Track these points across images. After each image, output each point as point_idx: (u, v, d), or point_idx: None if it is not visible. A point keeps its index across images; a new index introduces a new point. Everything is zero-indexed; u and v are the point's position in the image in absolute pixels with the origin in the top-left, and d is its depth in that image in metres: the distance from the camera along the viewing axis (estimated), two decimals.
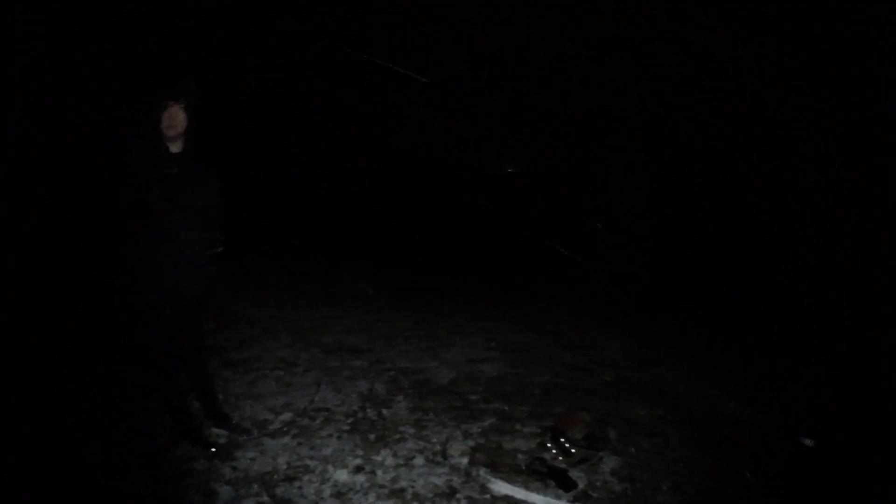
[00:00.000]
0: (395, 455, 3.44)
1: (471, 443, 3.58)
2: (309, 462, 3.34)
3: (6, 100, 5.31)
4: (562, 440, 3.40)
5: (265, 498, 2.95)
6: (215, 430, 3.50)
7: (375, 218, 8.26)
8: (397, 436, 3.67)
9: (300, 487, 3.10)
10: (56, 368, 3.84)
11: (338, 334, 5.12)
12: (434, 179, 8.07)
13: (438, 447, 3.53)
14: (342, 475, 3.25)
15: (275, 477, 3.16)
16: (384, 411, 3.97)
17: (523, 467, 3.29)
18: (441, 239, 7.40)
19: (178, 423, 3.33)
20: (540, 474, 3.20)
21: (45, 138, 5.72)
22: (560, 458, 3.35)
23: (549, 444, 3.46)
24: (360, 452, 3.47)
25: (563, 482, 3.10)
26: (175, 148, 2.85)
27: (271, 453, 3.38)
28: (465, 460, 3.38)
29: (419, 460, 3.39)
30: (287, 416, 3.83)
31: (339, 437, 3.62)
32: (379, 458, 3.42)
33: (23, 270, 4.75)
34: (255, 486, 3.04)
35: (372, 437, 3.65)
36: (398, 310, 5.67)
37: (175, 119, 2.75)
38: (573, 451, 3.35)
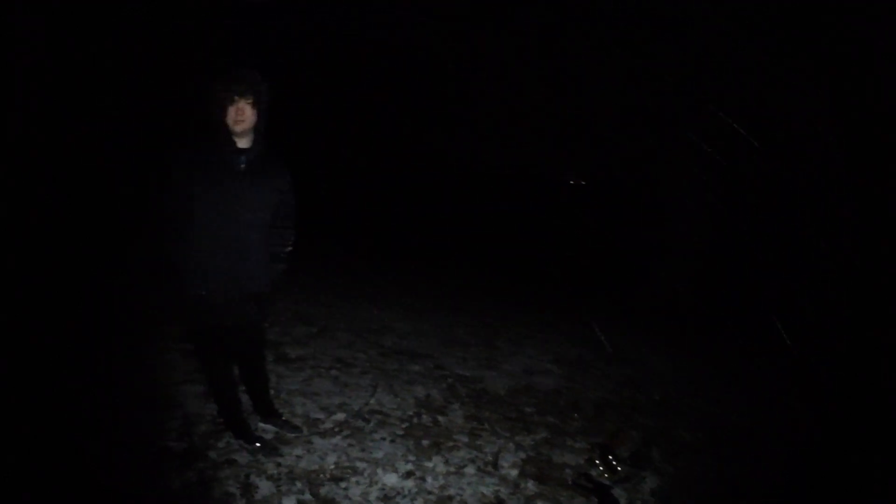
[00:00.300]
0: (446, 462, 3.30)
1: (522, 455, 3.43)
2: (358, 464, 3.21)
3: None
4: (609, 457, 3.32)
5: (308, 496, 2.83)
6: (262, 426, 3.39)
7: (435, 223, 8.16)
8: (451, 443, 3.51)
9: (346, 489, 2.97)
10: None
11: (396, 338, 4.99)
12: (493, 187, 7.93)
13: (490, 457, 3.38)
14: (391, 479, 3.11)
15: (321, 476, 3.04)
16: (440, 418, 3.81)
17: (569, 482, 3.19)
18: (499, 246, 7.23)
19: (224, 414, 3.25)
20: (585, 490, 3.12)
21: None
22: (606, 475, 3.25)
23: (596, 461, 3.35)
24: (411, 458, 3.34)
25: (605, 500, 3.03)
26: (243, 143, 2.74)
27: (320, 452, 3.26)
28: (514, 472, 3.24)
29: (470, 469, 3.25)
30: (340, 416, 3.71)
31: (391, 441, 3.49)
32: (430, 465, 3.28)
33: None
34: (299, 483, 2.93)
35: (426, 443, 3.51)
36: (456, 317, 5.51)
37: (241, 114, 2.63)
38: (619, 468, 3.26)
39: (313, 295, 5.66)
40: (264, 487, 2.85)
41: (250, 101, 2.63)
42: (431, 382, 4.30)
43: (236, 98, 2.62)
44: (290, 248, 3.04)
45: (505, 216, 7.86)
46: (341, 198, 8.60)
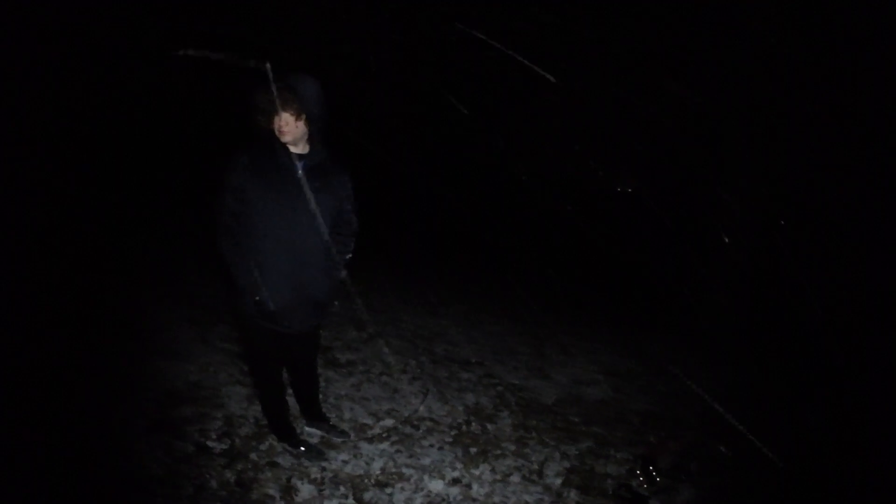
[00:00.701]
0: (493, 470, 3.25)
1: (566, 464, 3.37)
2: (405, 470, 3.18)
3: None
4: (650, 468, 3.24)
5: (351, 501, 2.82)
6: (308, 430, 3.39)
7: (487, 228, 8.08)
8: (498, 451, 3.45)
9: (391, 494, 2.95)
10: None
11: (448, 345, 4.94)
12: (545, 194, 7.81)
13: (536, 466, 3.32)
14: (437, 486, 3.07)
15: (365, 481, 3.02)
16: (488, 426, 3.75)
17: (610, 492, 3.15)
18: (550, 255, 7.11)
19: (270, 417, 3.24)
20: (624, 500, 3.09)
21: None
22: (645, 486, 3.20)
23: (637, 472, 3.29)
24: (459, 465, 3.29)
25: None
26: (299, 149, 2.71)
27: (366, 458, 3.24)
28: (559, 481, 3.19)
29: (516, 477, 3.20)
30: (389, 422, 3.69)
31: (440, 448, 3.44)
32: (477, 472, 3.23)
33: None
34: (343, 488, 2.91)
35: (473, 450, 3.45)
36: (508, 325, 5.44)
37: (286, 126, 2.61)
38: (658, 479, 3.20)
39: (367, 300, 5.66)
40: (305, 491, 2.83)
41: (293, 112, 2.59)
42: (482, 390, 4.24)
43: (279, 110, 2.59)
44: (350, 255, 2.99)
45: (556, 222, 7.73)
46: (399, 202, 8.62)
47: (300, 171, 2.68)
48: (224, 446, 3.14)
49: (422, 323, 5.34)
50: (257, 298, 2.70)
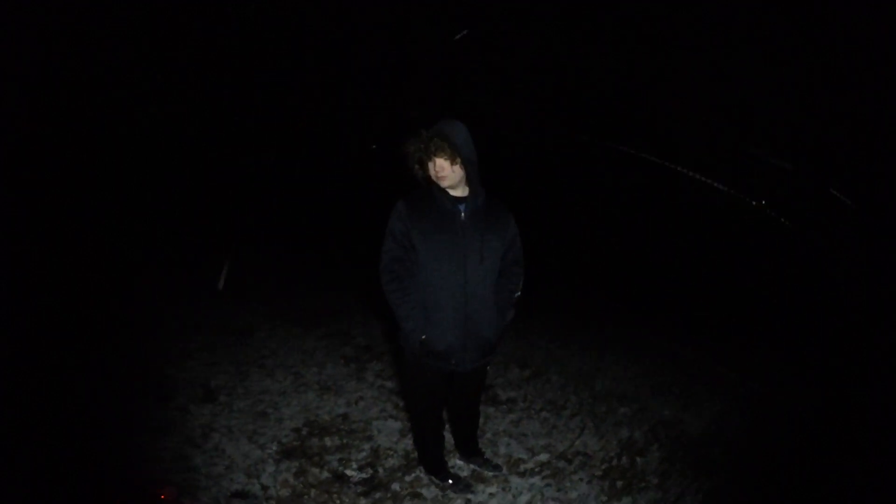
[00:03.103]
0: (633, 502, 3.34)
1: (700, 497, 3.40)
2: (551, 503, 3.37)
3: None
4: None
5: None
6: (458, 463, 3.64)
7: (642, 259, 7.90)
8: (643, 484, 3.57)
9: None
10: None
11: (608, 381, 5.07)
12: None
13: (672, 499, 3.40)
14: None
15: None
16: (638, 459, 3.86)
17: None
18: (711, 286, 6.83)
19: (423, 450, 3.46)
20: None
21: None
22: None
23: None
24: (603, 498, 3.45)
25: None
26: (458, 192, 2.82)
27: (514, 491, 3.48)
28: None
29: None
30: (544, 456, 3.91)
31: (588, 482, 3.62)
32: None
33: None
34: None
35: (619, 484, 3.60)
36: (663, 361, 5.41)
37: (442, 171, 2.70)
38: None
39: (529, 338, 5.94)
40: None
41: (447, 156, 2.68)
42: (636, 424, 4.33)
43: (432, 155, 2.70)
44: (518, 294, 3.04)
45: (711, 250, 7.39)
46: (558, 235, 8.76)
47: (463, 215, 2.81)
48: (364, 475, 3.46)
49: (584, 359, 5.50)
50: (423, 338, 2.83)
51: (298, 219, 9.19)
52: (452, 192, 2.81)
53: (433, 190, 2.82)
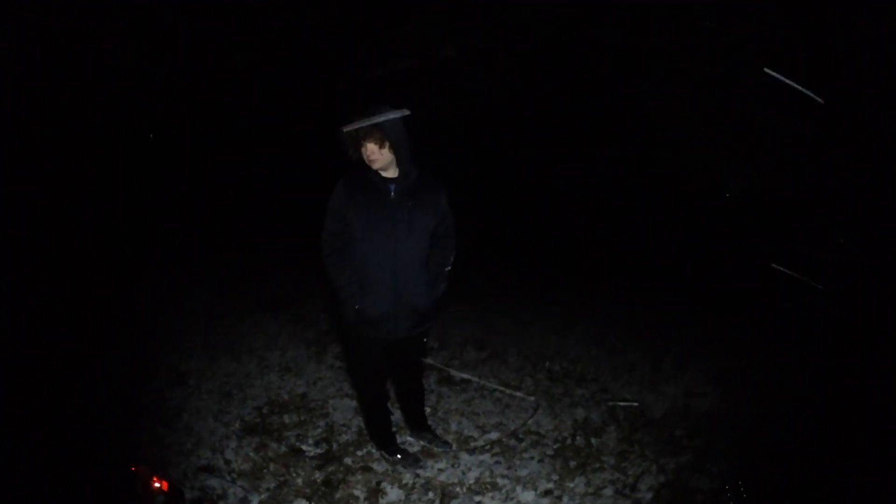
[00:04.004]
0: (587, 483, 3.30)
1: (662, 478, 3.30)
2: (500, 480, 3.33)
3: None
4: (739, 483, 3.11)
5: None
6: (409, 439, 3.62)
7: (605, 235, 7.84)
8: (597, 465, 3.48)
9: (479, 502, 3.07)
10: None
11: (567, 362, 4.97)
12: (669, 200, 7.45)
13: (631, 480, 3.31)
14: (528, 496, 3.18)
15: (457, 489, 3.20)
16: (593, 440, 3.77)
17: None
18: (667, 260, 6.79)
19: (371, 426, 3.52)
20: None
21: None
22: (731, 501, 3.07)
23: (727, 487, 3.15)
24: (555, 477, 3.38)
25: None
26: (390, 173, 2.93)
27: (463, 467, 3.42)
28: (650, 495, 3.15)
29: (608, 491, 3.22)
30: (494, 435, 3.84)
31: (539, 461, 3.55)
32: (571, 485, 3.30)
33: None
34: (431, 493, 3.11)
35: (573, 463, 3.51)
36: (627, 341, 5.33)
37: (372, 154, 2.82)
38: (745, 495, 3.06)
39: (487, 320, 5.82)
40: (393, 494, 3.07)
41: (376, 141, 2.79)
42: (593, 406, 4.25)
43: (362, 140, 2.82)
44: (449, 268, 3.17)
45: (673, 227, 7.34)
46: (514, 214, 8.69)
47: (392, 194, 2.92)
48: (320, 450, 3.50)
49: (543, 341, 5.39)
50: (357, 307, 2.98)
51: (270, 209, 9.05)
52: (384, 174, 2.93)
53: (367, 171, 2.93)
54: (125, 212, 7.41)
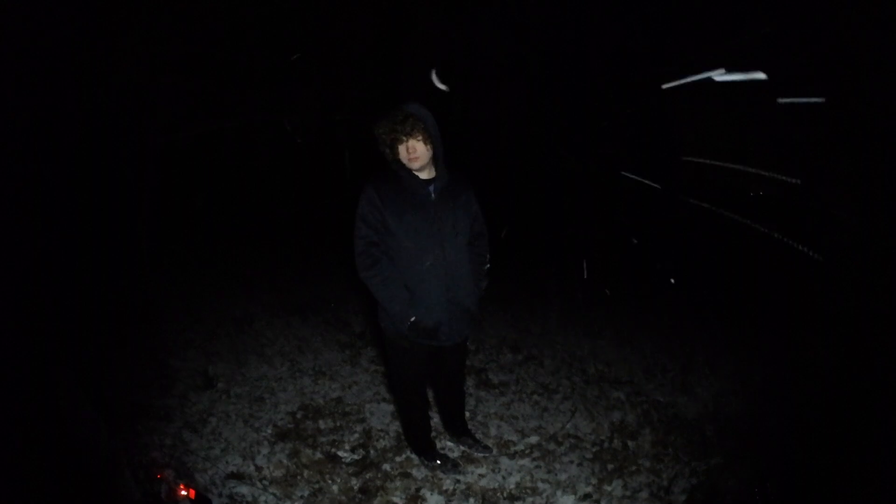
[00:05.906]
0: (625, 486, 3.35)
1: (693, 480, 3.36)
2: (540, 485, 3.38)
3: None
4: (766, 484, 3.18)
5: None
6: (449, 444, 3.66)
7: (633, 241, 7.82)
8: (634, 467, 3.53)
9: None
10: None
11: (602, 365, 5.02)
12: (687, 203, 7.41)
13: (665, 482, 3.36)
14: (568, 501, 3.25)
15: (497, 495, 3.26)
16: (629, 443, 3.82)
17: None
18: (694, 264, 6.76)
19: (410, 431, 3.50)
20: None
21: None
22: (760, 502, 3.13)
23: (755, 489, 3.20)
24: (594, 481, 3.43)
25: None
26: (426, 174, 2.85)
27: (503, 472, 3.48)
28: (683, 497, 3.20)
29: (644, 493, 3.27)
30: (534, 439, 3.90)
31: (579, 465, 3.60)
32: (609, 489, 3.34)
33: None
34: (472, 500, 3.17)
35: (610, 466, 3.57)
36: (659, 343, 5.36)
37: (414, 152, 2.73)
38: (773, 497, 3.13)
39: (523, 324, 5.89)
40: (433, 501, 3.13)
41: (419, 137, 2.72)
42: (629, 408, 4.29)
43: (404, 138, 2.72)
44: (489, 265, 3.14)
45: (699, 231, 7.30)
46: (551, 218, 8.72)
47: (433, 196, 2.85)
48: (356, 456, 3.52)
49: (578, 343, 5.45)
50: (413, 319, 2.88)
51: (295, 212, 9.17)
52: (420, 175, 2.84)
53: (399, 172, 2.84)
54: (148, 212, 7.51)
